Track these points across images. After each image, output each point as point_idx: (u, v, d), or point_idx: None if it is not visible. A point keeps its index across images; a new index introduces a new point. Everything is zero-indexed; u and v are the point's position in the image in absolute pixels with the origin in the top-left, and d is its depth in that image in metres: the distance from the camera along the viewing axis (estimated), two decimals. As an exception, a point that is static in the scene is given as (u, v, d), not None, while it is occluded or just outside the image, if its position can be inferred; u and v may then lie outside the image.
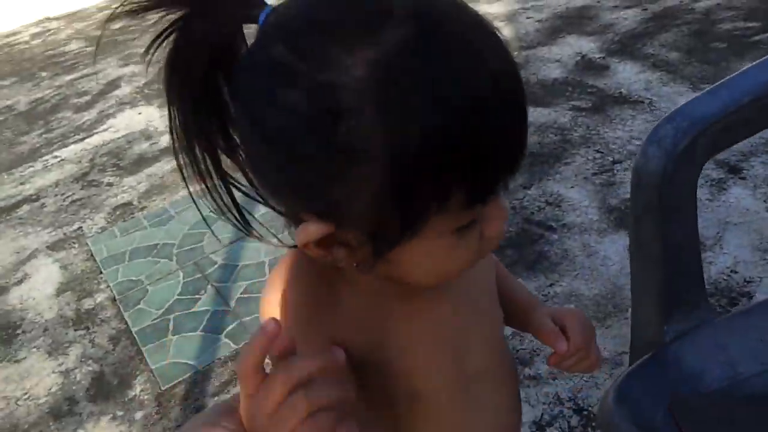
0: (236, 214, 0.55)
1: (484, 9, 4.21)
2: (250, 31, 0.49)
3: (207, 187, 0.53)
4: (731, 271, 1.81)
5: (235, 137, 0.51)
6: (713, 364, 0.85)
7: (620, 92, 2.87)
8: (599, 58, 3.24)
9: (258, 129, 0.45)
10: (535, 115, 2.82)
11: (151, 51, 0.49)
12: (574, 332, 0.69)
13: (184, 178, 0.53)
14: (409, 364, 0.58)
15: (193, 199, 0.57)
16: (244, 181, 0.54)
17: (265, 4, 0.48)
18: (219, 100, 0.50)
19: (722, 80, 0.89)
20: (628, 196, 2.17)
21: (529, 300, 0.76)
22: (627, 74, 3.01)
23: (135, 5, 0.47)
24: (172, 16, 0.48)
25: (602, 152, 2.48)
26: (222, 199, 0.54)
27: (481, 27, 0.45)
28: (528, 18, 3.94)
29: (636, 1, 3.82)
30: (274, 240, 0.59)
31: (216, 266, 2.22)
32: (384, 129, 0.41)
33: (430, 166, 0.42)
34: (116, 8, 0.48)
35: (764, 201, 2.05)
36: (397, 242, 0.46)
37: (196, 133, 0.51)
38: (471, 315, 0.63)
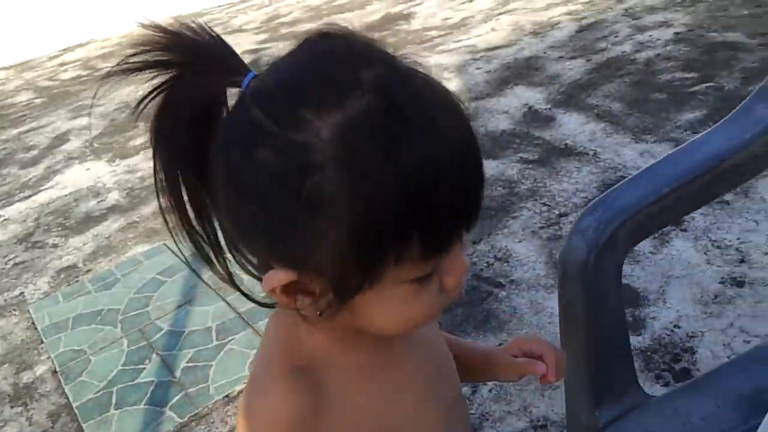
0: (217, 262, 0.58)
1: (435, 60, 4.29)
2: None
3: (189, 233, 0.57)
4: (674, 326, 1.84)
5: (213, 189, 0.54)
6: (644, 451, 0.86)
7: (566, 144, 2.94)
8: (545, 109, 3.31)
9: (235, 183, 0.49)
10: (484, 167, 2.86)
11: (141, 107, 0.53)
12: (548, 350, 0.74)
13: (168, 226, 0.57)
14: (403, 411, 0.62)
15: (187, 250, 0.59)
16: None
17: (249, 69, 0.52)
18: (201, 154, 0.53)
19: (643, 169, 0.92)
20: (574, 252, 2.19)
21: (485, 348, 0.82)
22: (572, 125, 3.09)
23: (130, 65, 0.52)
24: (163, 77, 0.52)
25: (549, 205, 2.52)
26: (203, 245, 0.57)
27: (446, 102, 0.50)
28: (478, 69, 4.03)
29: (581, 51, 3.94)
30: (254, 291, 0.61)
31: (161, 333, 2.17)
32: (345, 185, 0.45)
33: (386, 220, 0.46)
34: (113, 67, 0.53)
35: (705, 253, 2.10)
36: (358, 290, 0.49)
37: (177, 183, 0.55)
38: (437, 349, 0.68)
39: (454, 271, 0.53)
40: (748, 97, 0.99)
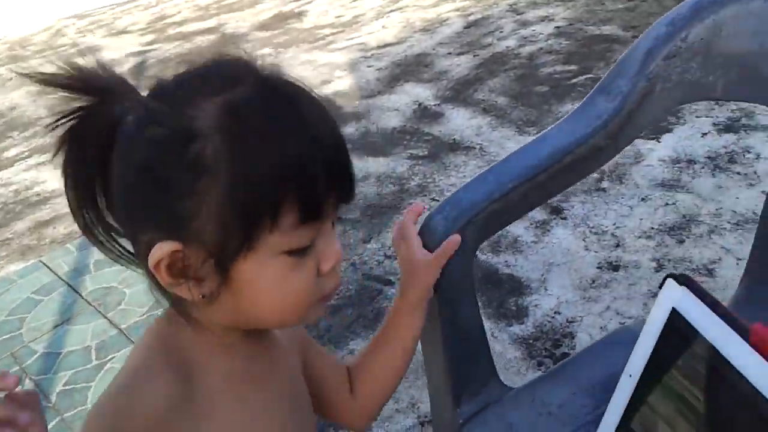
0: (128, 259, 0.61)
1: (327, 58, 4.27)
2: None
3: (99, 241, 0.59)
4: (555, 313, 1.91)
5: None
6: (502, 444, 0.87)
7: (453, 139, 2.99)
8: (435, 105, 3.36)
9: (126, 165, 0.53)
10: (375, 165, 2.87)
11: (54, 126, 0.56)
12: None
13: (86, 235, 0.60)
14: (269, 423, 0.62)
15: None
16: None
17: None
18: (105, 171, 0.56)
19: (489, 167, 0.93)
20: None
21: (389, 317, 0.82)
22: (460, 121, 3.14)
23: (54, 79, 0.55)
24: (79, 103, 0.55)
25: (437, 200, 2.55)
26: (114, 250, 0.60)
27: (311, 97, 0.56)
28: (369, 66, 4.04)
29: (468, 47, 4.02)
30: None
31: (36, 356, 2.03)
32: (227, 146, 0.50)
33: (263, 178, 0.50)
34: (36, 73, 0.55)
35: (583, 240, 2.19)
36: (236, 254, 0.52)
37: (85, 198, 0.58)
38: (297, 380, 0.69)
39: (329, 254, 0.57)
40: (590, 92, 1.02)
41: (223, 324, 0.59)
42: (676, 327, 0.75)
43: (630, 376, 0.81)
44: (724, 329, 0.69)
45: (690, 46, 0.98)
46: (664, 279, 0.77)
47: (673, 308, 0.75)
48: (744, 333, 0.67)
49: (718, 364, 0.69)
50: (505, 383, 0.97)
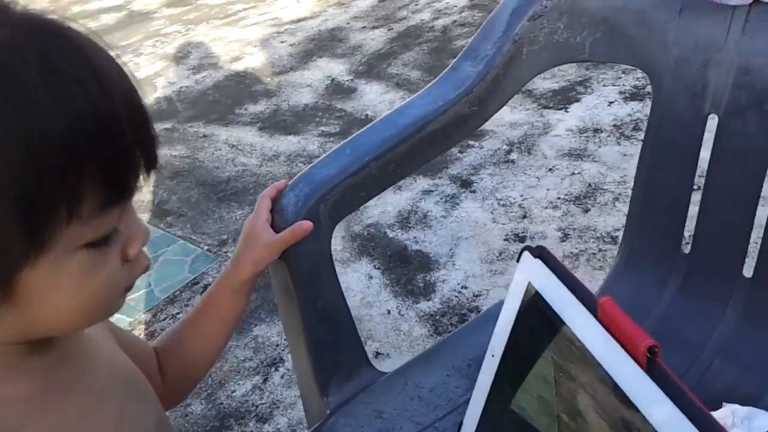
0: None
1: (239, 34, 4.12)
2: None
3: None
4: (462, 287, 1.88)
5: None
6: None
7: (366, 114, 2.92)
8: (348, 80, 3.28)
9: None
10: (285, 144, 2.78)
11: None
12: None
13: None
14: None
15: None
16: None
17: None
18: None
19: (346, 140, 0.87)
20: (371, 221, 2.16)
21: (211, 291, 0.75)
22: (372, 95, 3.08)
23: None
24: None
25: (348, 178, 2.49)
26: None
27: (92, 40, 0.44)
28: (282, 42, 3.91)
29: (383, 21, 3.95)
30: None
31: None
32: None
33: (48, 160, 0.38)
34: None
35: (491, 212, 2.17)
36: (22, 261, 0.40)
37: None
38: (125, 371, 0.60)
39: (135, 236, 0.48)
40: (456, 58, 0.97)
41: (7, 342, 0.47)
42: (533, 302, 0.71)
43: (493, 356, 0.77)
44: (574, 303, 0.65)
45: (556, 5, 0.94)
46: (521, 252, 0.73)
47: (529, 282, 0.72)
48: (592, 307, 0.63)
49: (569, 340, 0.66)
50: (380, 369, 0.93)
